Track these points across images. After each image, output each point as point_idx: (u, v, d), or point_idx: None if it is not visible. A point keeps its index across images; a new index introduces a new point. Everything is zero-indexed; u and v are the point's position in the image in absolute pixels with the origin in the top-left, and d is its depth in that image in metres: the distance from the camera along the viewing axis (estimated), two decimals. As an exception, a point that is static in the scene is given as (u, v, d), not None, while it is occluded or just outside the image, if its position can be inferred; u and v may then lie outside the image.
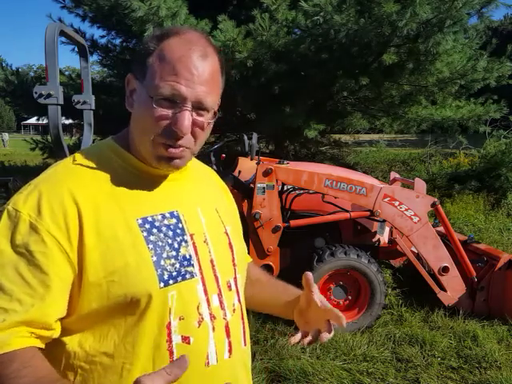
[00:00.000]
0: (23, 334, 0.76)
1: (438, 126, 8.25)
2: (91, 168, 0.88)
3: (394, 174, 4.60)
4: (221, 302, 0.92)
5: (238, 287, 0.98)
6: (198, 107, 0.85)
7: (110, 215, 0.83)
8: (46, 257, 0.78)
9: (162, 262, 0.85)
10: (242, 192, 3.65)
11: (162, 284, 0.83)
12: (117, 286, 0.81)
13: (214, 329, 0.89)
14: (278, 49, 5.94)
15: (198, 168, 1.08)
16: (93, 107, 3.83)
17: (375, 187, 3.48)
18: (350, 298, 3.52)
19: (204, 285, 0.89)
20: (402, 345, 3.23)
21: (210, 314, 0.89)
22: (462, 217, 6.73)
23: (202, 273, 0.90)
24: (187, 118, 0.83)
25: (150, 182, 0.91)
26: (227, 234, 1.00)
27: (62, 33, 3.27)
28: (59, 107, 3.06)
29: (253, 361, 2.97)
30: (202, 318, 0.88)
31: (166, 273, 0.84)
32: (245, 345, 0.98)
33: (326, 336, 0.99)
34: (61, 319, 0.81)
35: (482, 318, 3.52)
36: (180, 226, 0.90)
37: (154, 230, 0.86)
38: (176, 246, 0.88)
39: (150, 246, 0.84)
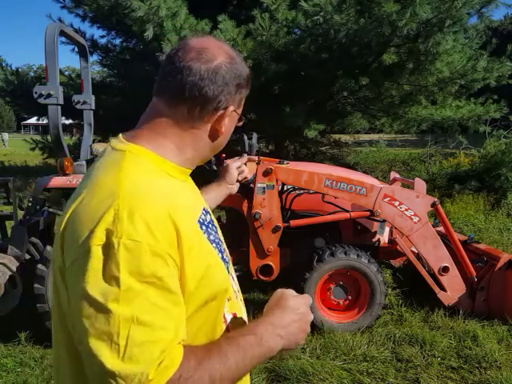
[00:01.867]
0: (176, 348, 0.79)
1: (438, 125, 8.26)
2: (155, 181, 0.86)
3: (393, 174, 4.59)
4: (233, 278, 1.06)
5: None
6: None
7: (189, 224, 0.86)
8: (172, 278, 0.79)
9: (224, 256, 0.96)
10: (242, 192, 3.65)
11: (228, 274, 0.96)
12: (204, 289, 0.86)
13: (241, 300, 1.07)
14: (278, 49, 5.94)
15: None
16: (93, 107, 3.83)
17: (375, 187, 3.48)
18: (349, 297, 3.52)
19: (228, 267, 1.00)
20: (402, 345, 3.23)
21: (237, 289, 1.06)
22: (462, 217, 6.73)
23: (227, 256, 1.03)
24: None
25: (185, 185, 0.96)
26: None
27: (62, 33, 3.27)
28: (59, 107, 3.06)
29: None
30: (236, 295, 1.03)
31: (229, 266, 0.97)
32: None
33: None
34: None
35: (482, 318, 3.52)
36: (212, 219, 1.00)
37: (208, 229, 0.93)
38: (221, 238, 1.00)
39: (214, 245, 0.92)
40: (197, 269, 0.84)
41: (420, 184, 3.85)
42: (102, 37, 9.39)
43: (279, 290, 0.99)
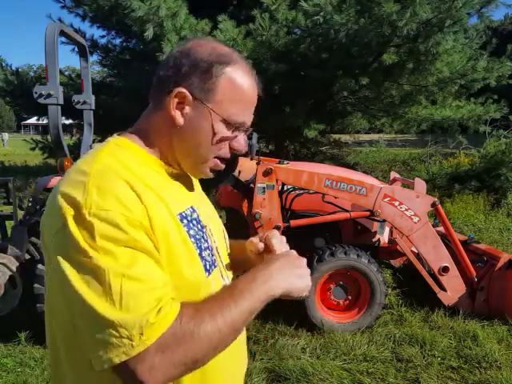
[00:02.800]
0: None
1: (438, 125, 8.26)
2: (129, 170, 0.87)
3: (393, 174, 4.59)
4: (223, 281, 1.04)
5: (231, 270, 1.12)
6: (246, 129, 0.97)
7: (161, 211, 0.86)
8: (147, 242, 0.80)
9: (203, 254, 0.93)
10: (242, 192, 3.65)
11: (207, 274, 0.93)
12: (173, 277, 0.84)
13: None
14: (278, 49, 5.95)
15: None
16: (93, 107, 3.83)
17: (375, 187, 3.48)
18: (349, 297, 3.52)
19: (219, 270, 1.01)
20: (402, 345, 3.23)
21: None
22: (462, 217, 6.73)
23: (216, 259, 1.01)
24: (245, 139, 0.96)
25: (172, 180, 0.96)
26: (218, 219, 1.15)
27: (62, 33, 3.27)
28: (59, 107, 3.06)
29: (253, 361, 2.97)
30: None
31: (207, 264, 0.94)
32: None
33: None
34: None
35: (482, 318, 3.52)
36: (199, 218, 0.97)
37: (190, 224, 0.92)
38: (205, 236, 0.96)
39: (193, 240, 0.91)
40: (170, 253, 0.84)
41: (420, 184, 3.86)
42: (102, 37, 9.41)
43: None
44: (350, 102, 7.80)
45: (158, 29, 5.55)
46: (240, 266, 1.15)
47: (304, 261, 0.97)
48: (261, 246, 1.03)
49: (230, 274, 1.08)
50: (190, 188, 1.02)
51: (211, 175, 0.98)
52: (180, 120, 0.91)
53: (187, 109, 0.90)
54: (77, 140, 10.26)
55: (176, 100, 0.90)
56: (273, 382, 2.82)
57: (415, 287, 3.89)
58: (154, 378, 0.74)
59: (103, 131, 9.09)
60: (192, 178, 1.08)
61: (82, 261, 0.76)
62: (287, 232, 3.54)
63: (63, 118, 6.45)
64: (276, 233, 1.05)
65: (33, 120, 34.19)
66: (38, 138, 11.05)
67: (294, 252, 0.98)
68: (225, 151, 0.95)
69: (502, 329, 3.41)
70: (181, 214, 0.91)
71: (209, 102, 0.89)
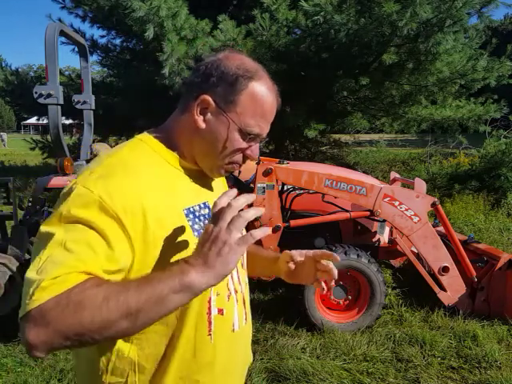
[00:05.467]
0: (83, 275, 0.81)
1: (438, 125, 8.25)
2: (144, 162, 0.97)
3: (393, 174, 4.59)
4: (238, 278, 1.10)
5: (246, 266, 1.18)
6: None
7: (165, 206, 0.93)
8: (114, 236, 0.85)
9: None
10: (242, 192, 3.65)
11: None
12: (166, 258, 0.91)
13: (237, 301, 1.07)
14: (278, 49, 5.94)
15: None
16: (93, 107, 3.83)
17: (375, 187, 3.48)
18: (349, 297, 3.52)
19: None
20: (402, 345, 3.23)
21: (234, 289, 1.07)
22: (462, 217, 6.72)
23: None
24: (258, 149, 1.04)
25: (188, 177, 1.04)
26: None
27: (62, 33, 3.27)
28: (59, 107, 3.06)
29: (253, 361, 2.97)
30: (230, 293, 1.05)
31: None
32: (250, 311, 1.18)
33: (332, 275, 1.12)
34: None
35: (482, 318, 3.52)
36: (211, 215, 1.01)
37: (197, 220, 0.99)
38: None
39: (196, 234, 0.97)
40: (167, 245, 0.91)
41: (420, 184, 3.85)
42: (102, 37, 9.40)
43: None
44: (350, 102, 7.80)
45: (158, 29, 5.55)
46: (265, 271, 1.23)
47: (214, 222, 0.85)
48: (299, 259, 1.15)
49: (243, 272, 1.14)
50: (207, 185, 1.09)
51: (225, 175, 1.07)
52: (202, 124, 0.99)
53: (209, 115, 0.98)
54: (77, 140, 10.25)
55: (201, 106, 0.98)
56: (273, 381, 2.82)
57: (415, 287, 3.89)
58: (37, 339, 0.75)
59: (103, 131, 9.12)
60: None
61: (48, 221, 0.86)
62: (287, 232, 3.55)
63: (63, 118, 6.45)
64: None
65: (33, 120, 34.15)
66: (38, 138, 11.05)
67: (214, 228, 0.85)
68: (238, 158, 1.02)
69: (501, 329, 3.41)
70: (188, 208, 0.98)
71: (230, 112, 0.97)
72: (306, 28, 5.82)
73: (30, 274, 0.80)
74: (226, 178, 1.34)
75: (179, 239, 0.94)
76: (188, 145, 1.02)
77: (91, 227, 0.83)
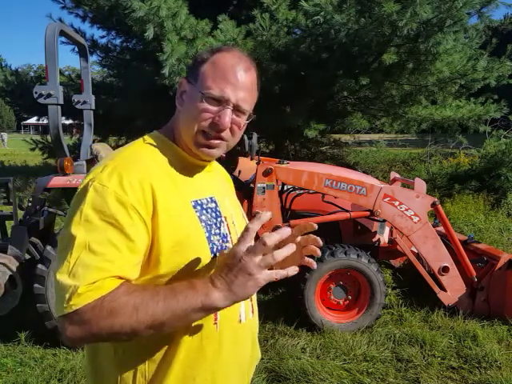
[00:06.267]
0: (115, 280, 0.89)
1: (438, 125, 8.25)
2: (153, 157, 1.04)
3: (394, 174, 4.59)
4: None
5: None
6: (237, 109, 1.03)
7: (173, 196, 0.99)
8: (132, 227, 0.91)
9: (212, 238, 1.04)
10: (242, 192, 3.65)
11: (212, 255, 1.02)
12: (179, 255, 0.97)
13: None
14: (278, 49, 5.94)
15: (215, 165, 1.26)
16: (93, 107, 3.83)
17: (375, 187, 3.48)
18: (349, 297, 3.52)
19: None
20: (402, 345, 3.23)
21: None
22: (462, 217, 6.72)
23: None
24: (228, 115, 1.01)
25: (192, 171, 1.09)
26: (244, 218, 1.25)
27: (62, 33, 3.27)
28: (59, 107, 3.06)
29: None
30: None
31: (214, 246, 1.03)
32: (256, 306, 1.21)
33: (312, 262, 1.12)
34: None
35: (482, 318, 3.52)
36: (218, 209, 1.10)
37: (204, 212, 1.05)
38: (218, 225, 1.07)
39: (203, 224, 1.02)
40: (175, 232, 0.96)
41: (420, 184, 3.85)
42: (102, 37, 9.38)
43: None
44: (350, 102, 7.79)
45: (158, 29, 5.55)
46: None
47: (252, 261, 0.88)
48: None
49: None
50: (212, 181, 1.14)
51: (211, 154, 1.05)
52: (180, 106, 1.07)
53: (184, 95, 1.07)
54: (77, 140, 10.25)
55: (180, 90, 1.08)
56: (273, 381, 2.82)
57: (415, 287, 3.89)
58: (74, 336, 0.86)
59: (103, 131, 9.11)
60: (220, 174, 1.25)
61: (69, 222, 0.91)
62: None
63: (63, 118, 6.45)
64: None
65: (33, 120, 34.15)
66: (38, 138, 11.04)
67: (240, 253, 0.88)
68: (206, 124, 1.02)
69: (501, 329, 3.41)
70: (196, 201, 1.04)
71: (196, 82, 1.03)
72: (306, 28, 5.82)
73: (62, 277, 0.87)
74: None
75: (187, 228, 0.99)
76: (178, 130, 1.08)
77: (111, 224, 0.90)
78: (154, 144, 1.07)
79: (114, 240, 0.89)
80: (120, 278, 0.89)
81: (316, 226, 1.07)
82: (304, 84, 6.44)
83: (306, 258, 1.12)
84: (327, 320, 3.42)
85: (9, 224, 3.62)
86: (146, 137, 1.09)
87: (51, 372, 2.86)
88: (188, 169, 1.08)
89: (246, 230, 0.89)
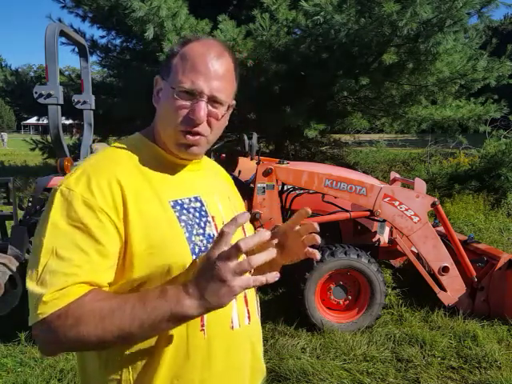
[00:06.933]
0: (83, 287, 0.86)
1: (438, 125, 8.25)
2: (128, 157, 1.00)
3: (394, 174, 4.60)
4: None
5: None
6: (213, 100, 0.97)
7: (147, 197, 0.96)
8: (101, 230, 0.88)
9: (193, 238, 0.98)
10: (242, 192, 3.65)
11: (194, 256, 0.96)
12: (156, 257, 0.92)
13: (236, 298, 0.96)
14: (279, 49, 5.94)
15: (207, 162, 1.21)
16: (93, 107, 3.83)
17: (375, 187, 3.48)
18: (349, 297, 3.52)
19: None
20: (402, 345, 3.23)
21: None
22: (462, 217, 6.72)
23: None
24: (203, 108, 0.96)
25: (173, 171, 1.04)
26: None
27: (62, 33, 3.27)
28: (59, 107, 3.06)
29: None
30: None
31: (196, 247, 0.97)
32: (258, 314, 1.14)
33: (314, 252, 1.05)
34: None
35: (482, 318, 3.52)
36: (204, 208, 1.04)
37: (184, 211, 0.99)
38: (202, 225, 1.01)
39: (182, 224, 0.97)
40: (148, 235, 0.92)
41: (420, 184, 3.85)
42: (102, 37, 9.38)
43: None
44: (350, 102, 7.79)
45: (158, 29, 5.55)
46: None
47: (225, 267, 0.78)
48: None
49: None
50: (200, 179, 1.09)
51: (191, 152, 1.01)
52: (156, 100, 1.03)
53: (160, 93, 1.02)
54: (77, 140, 10.25)
55: (156, 88, 1.04)
56: (273, 381, 2.82)
57: (415, 287, 3.89)
58: (44, 346, 0.86)
59: (103, 131, 9.11)
60: (215, 174, 1.20)
61: (38, 228, 0.90)
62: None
63: (63, 118, 6.45)
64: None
65: (33, 120, 34.13)
66: (38, 138, 11.04)
67: (212, 257, 0.80)
68: (181, 120, 0.97)
69: (501, 329, 3.41)
70: (175, 200, 0.99)
71: (168, 77, 0.99)
72: (306, 28, 5.82)
73: (31, 284, 0.85)
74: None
75: (163, 229, 0.94)
76: (159, 132, 1.04)
77: (78, 228, 0.87)
78: (132, 145, 1.03)
79: (81, 244, 0.86)
80: (89, 283, 0.86)
81: (317, 227, 1.03)
82: (304, 84, 6.44)
83: (309, 248, 1.05)
84: (327, 320, 3.42)
85: (9, 224, 3.62)
86: (125, 137, 1.07)
87: (51, 372, 2.86)
88: (168, 168, 1.03)
89: (221, 233, 0.80)
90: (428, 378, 2.86)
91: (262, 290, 4.05)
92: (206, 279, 0.80)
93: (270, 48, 5.90)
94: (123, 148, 1.03)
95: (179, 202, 1.00)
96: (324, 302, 3.50)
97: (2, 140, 30.48)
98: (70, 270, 0.84)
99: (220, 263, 0.78)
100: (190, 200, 1.02)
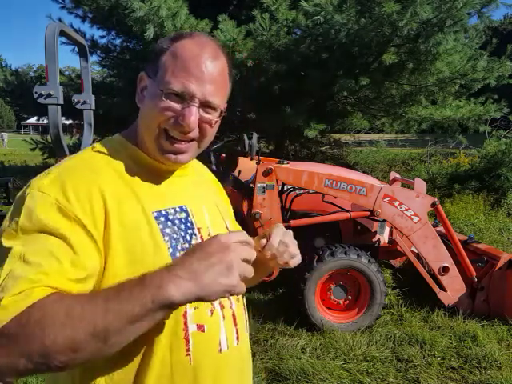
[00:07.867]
0: (47, 289, 0.75)
1: (438, 125, 8.25)
2: (107, 162, 0.91)
3: (394, 174, 4.60)
4: None
5: None
6: (206, 105, 0.89)
7: (130, 206, 0.87)
8: (76, 238, 0.79)
9: (177, 254, 0.88)
10: (242, 192, 3.65)
11: None
12: (136, 273, 0.77)
13: (224, 317, 0.94)
14: (279, 49, 5.94)
15: (195, 166, 1.12)
16: (93, 107, 3.83)
17: (375, 187, 3.48)
18: (349, 297, 3.52)
19: None
20: (402, 345, 3.23)
21: (220, 304, 0.94)
22: (462, 217, 6.72)
23: None
24: (194, 113, 0.87)
25: (158, 177, 0.95)
26: (227, 228, 1.07)
27: (62, 33, 3.27)
28: (59, 107, 3.06)
29: (253, 361, 2.97)
30: (214, 307, 0.92)
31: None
32: (246, 331, 1.04)
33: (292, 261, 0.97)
34: None
35: (482, 318, 3.52)
36: (189, 219, 0.95)
37: (169, 223, 0.90)
38: (188, 238, 0.93)
39: (166, 239, 0.88)
40: (129, 250, 0.84)
41: (420, 184, 3.86)
42: (102, 37, 9.37)
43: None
44: (350, 102, 7.80)
45: (158, 29, 5.55)
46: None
47: (219, 239, 0.75)
48: (263, 242, 0.94)
49: None
50: (188, 187, 1.00)
51: (178, 160, 0.92)
52: (140, 99, 0.95)
53: (145, 91, 0.93)
54: (77, 140, 10.25)
55: (140, 85, 0.95)
56: (273, 381, 2.82)
57: (415, 287, 3.89)
58: (10, 364, 0.68)
59: (103, 131, 9.10)
60: (200, 177, 1.11)
61: (5, 234, 0.79)
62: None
63: (63, 118, 6.45)
64: (279, 225, 0.97)
65: (33, 120, 34.15)
66: (38, 138, 11.04)
67: (218, 238, 0.76)
68: (168, 124, 0.88)
69: (501, 329, 3.41)
70: (159, 211, 0.90)
71: (155, 77, 0.90)
72: (306, 28, 5.82)
73: None
74: (225, 178, 1.27)
75: (145, 244, 0.85)
76: (143, 135, 0.94)
77: (51, 234, 0.77)
78: (112, 148, 0.94)
79: (54, 250, 0.76)
80: (55, 288, 0.74)
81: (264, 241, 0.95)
82: (304, 84, 6.44)
83: (282, 259, 0.96)
84: (327, 320, 3.42)
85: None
86: (106, 139, 0.97)
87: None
88: (152, 175, 0.94)
89: (247, 240, 0.78)
90: (428, 377, 2.86)
91: (262, 290, 4.05)
92: (211, 259, 0.73)
93: (270, 48, 5.90)
94: (102, 152, 0.93)
95: (163, 212, 0.91)
96: (324, 302, 3.50)
97: (2, 140, 30.48)
98: (36, 276, 0.73)
99: (236, 246, 0.74)
100: (176, 210, 0.94)
